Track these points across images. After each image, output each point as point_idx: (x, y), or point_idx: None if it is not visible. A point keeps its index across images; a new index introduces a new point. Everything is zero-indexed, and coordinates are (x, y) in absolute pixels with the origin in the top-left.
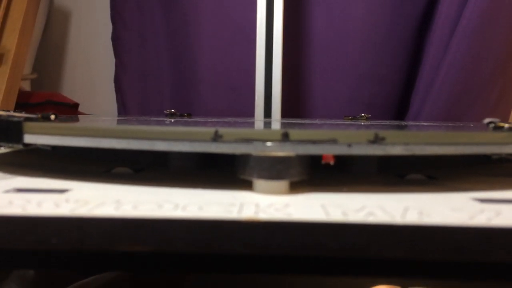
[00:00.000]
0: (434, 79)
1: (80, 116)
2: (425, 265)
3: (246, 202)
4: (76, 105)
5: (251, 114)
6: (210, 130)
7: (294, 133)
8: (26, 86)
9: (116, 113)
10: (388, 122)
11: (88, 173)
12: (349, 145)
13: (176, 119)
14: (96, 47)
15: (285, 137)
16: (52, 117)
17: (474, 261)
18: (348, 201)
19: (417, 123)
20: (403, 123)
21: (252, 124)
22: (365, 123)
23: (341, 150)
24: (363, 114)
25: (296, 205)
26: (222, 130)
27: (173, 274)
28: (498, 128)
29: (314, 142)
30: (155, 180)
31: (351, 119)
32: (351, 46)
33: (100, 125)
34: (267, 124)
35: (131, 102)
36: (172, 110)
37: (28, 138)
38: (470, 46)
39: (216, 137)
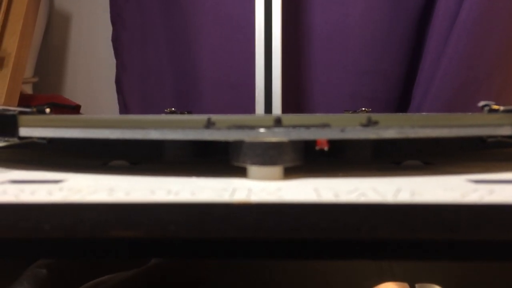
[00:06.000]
0: (435, 72)
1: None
2: (418, 246)
3: (239, 187)
4: (78, 107)
5: (253, 110)
6: (203, 117)
7: (286, 118)
8: (28, 89)
9: (118, 113)
10: None
11: (84, 166)
12: (342, 130)
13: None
14: (96, 49)
15: (277, 123)
16: (47, 110)
17: (466, 239)
18: (341, 184)
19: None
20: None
21: None
22: None
23: (334, 134)
24: (363, 108)
25: (289, 189)
26: (214, 118)
27: (170, 260)
28: (493, 111)
29: (307, 127)
30: (150, 171)
31: (351, 114)
32: (351, 41)
33: (94, 116)
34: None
35: (133, 102)
36: (173, 109)
37: (24, 131)
38: (470, 38)
39: (209, 124)
